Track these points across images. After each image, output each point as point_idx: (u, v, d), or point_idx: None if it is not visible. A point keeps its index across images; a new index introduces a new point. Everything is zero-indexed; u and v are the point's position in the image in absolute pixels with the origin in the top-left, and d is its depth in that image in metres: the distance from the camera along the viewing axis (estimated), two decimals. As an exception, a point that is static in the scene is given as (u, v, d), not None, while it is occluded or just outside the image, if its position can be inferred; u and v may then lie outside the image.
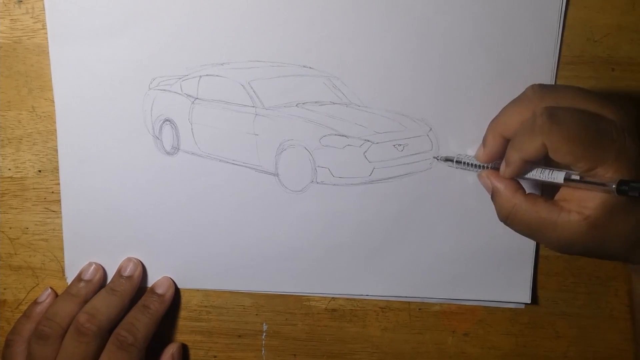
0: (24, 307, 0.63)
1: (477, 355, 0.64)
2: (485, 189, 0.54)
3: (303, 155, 0.59)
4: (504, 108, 0.51)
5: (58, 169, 0.61)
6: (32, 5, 0.59)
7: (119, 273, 0.62)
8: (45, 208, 0.63)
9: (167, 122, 0.60)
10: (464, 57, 0.57)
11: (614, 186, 0.44)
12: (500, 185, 0.51)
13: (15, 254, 0.64)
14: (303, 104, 0.59)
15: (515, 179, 0.52)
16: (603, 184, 0.45)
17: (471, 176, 0.59)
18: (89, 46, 0.59)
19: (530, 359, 0.63)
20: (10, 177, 0.62)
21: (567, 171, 0.48)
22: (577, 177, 0.47)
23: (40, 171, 0.62)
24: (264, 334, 0.64)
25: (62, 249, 0.63)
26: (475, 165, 0.55)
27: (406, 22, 0.57)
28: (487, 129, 0.53)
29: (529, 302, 0.61)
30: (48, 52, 0.59)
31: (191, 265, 0.62)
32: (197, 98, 0.59)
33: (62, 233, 0.62)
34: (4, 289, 0.64)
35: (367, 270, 0.62)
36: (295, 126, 0.59)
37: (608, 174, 0.45)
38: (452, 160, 0.58)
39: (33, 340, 0.58)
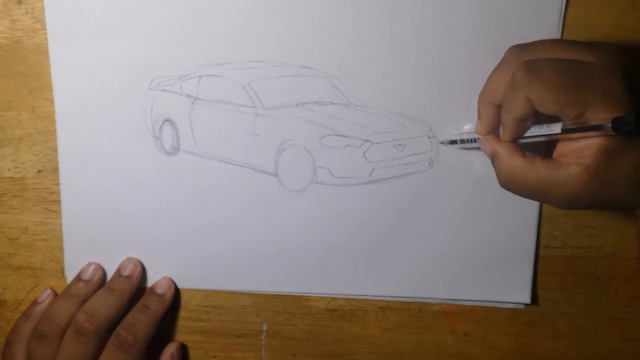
0: (23, 307, 0.63)
1: (477, 355, 0.64)
2: (487, 155, 0.53)
3: (303, 156, 0.59)
4: (489, 77, 0.51)
5: (58, 169, 0.61)
6: (32, 5, 0.59)
7: (118, 272, 0.62)
8: (45, 208, 0.62)
9: (167, 122, 0.60)
10: (463, 57, 0.57)
11: (609, 125, 0.43)
12: (498, 149, 0.51)
13: (15, 254, 0.64)
14: (303, 104, 0.59)
15: (515, 143, 0.51)
16: (598, 126, 0.44)
17: (471, 176, 0.59)
18: (88, 46, 0.59)
19: (530, 359, 0.63)
20: (10, 177, 0.62)
21: (564, 122, 0.47)
22: (573, 126, 0.46)
23: (40, 171, 0.62)
24: (264, 334, 0.64)
25: (62, 249, 0.63)
26: (477, 140, 0.55)
27: (406, 23, 0.57)
28: (478, 102, 0.53)
29: (529, 302, 0.61)
30: (48, 52, 0.59)
31: (191, 265, 0.62)
32: (197, 98, 0.59)
33: (61, 233, 0.62)
34: (4, 289, 0.64)
35: (367, 270, 0.62)
36: (295, 126, 0.59)
37: (599, 115, 0.44)
38: (456, 142, 0.57)
39: (32, 340, 0.58)
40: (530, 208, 0.60)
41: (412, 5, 0.57)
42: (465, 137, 0.57)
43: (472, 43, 0.57)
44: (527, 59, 0.47)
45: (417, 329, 0.63)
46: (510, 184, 0.50)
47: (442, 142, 0.59)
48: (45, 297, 0.62)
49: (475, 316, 0.63)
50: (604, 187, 0.46)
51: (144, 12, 0.58)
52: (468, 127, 0.58)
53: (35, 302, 0.62)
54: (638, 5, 0.57)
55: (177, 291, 0.63)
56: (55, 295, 0.63)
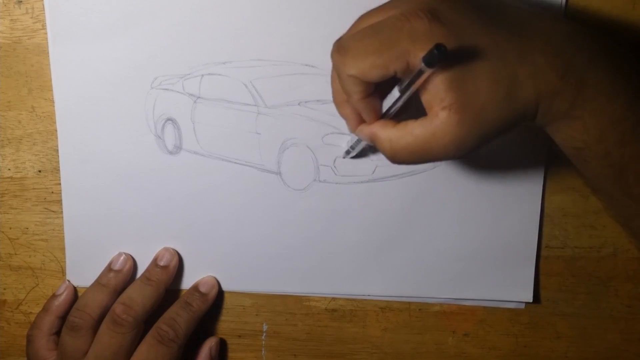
0: (24, 307, 0.63)
1: (478, 355, 0.64)
2: (369, 142, 0.50)
3: (305, 154, 0.59)
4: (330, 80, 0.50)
5: (58, 169, 0.61)
6: (32, 5, 0.59)
7: (154, 262, 0.61)
8: (45, 208, 0.62)
9: (169, 122, 0.60)
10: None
11: (423, 64, 0.41)
12: (371, 129, 0.48)
13: (15, 254, 0.63)
14: (305, 102, 0.59)
15: (385, 118, 0.48)
16: (419, 71, 0.42)
17: (474, 174, 0.59)
18: (89, 46, 0.59)
19: (531, 359, 0.64)
20: (10, 177, 0.62)
21: (399, 82, 0.45)
22: (405, 82, 0.44)
23: (40, 171, 0.62)
24: (264, 334, 0.64)
25: (62, 249, 0.62)
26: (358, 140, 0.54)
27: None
28: (335, 106, 0.51)
29: (531, 300, 0.61)
30: (48, 52, 0.59)
31: (192, 265, 0.62)
32: (199, 97, 0.59)
33: (62, 233, 0.62)
34: (4, 289, 0.64)
35: (367, 269, 0.62)
36: (298, 125, 0.59)
37: (417, 59, 0.42)
38: (349, 151, 0.57)
39: (64, 331, 0.58)
40: (533, 206, 0.60)
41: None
42: (350, 143, 0.56)
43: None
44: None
45: (418, 329, 0.64)
46: (395, 156, 0.47)
47: (342, 157, 0.59)
48: (63, 289, 0.62)
49: (475, 316, 0.63)
50: (477, 115, 0.44)
51: (145, 11, 0.58)
52: (349, 137, 0.57)
53: (54, 296, 0.62)
54: (638, 5, 0.57)
55: (220, 292, 0.63)
56: (73, 288, 0.63)
